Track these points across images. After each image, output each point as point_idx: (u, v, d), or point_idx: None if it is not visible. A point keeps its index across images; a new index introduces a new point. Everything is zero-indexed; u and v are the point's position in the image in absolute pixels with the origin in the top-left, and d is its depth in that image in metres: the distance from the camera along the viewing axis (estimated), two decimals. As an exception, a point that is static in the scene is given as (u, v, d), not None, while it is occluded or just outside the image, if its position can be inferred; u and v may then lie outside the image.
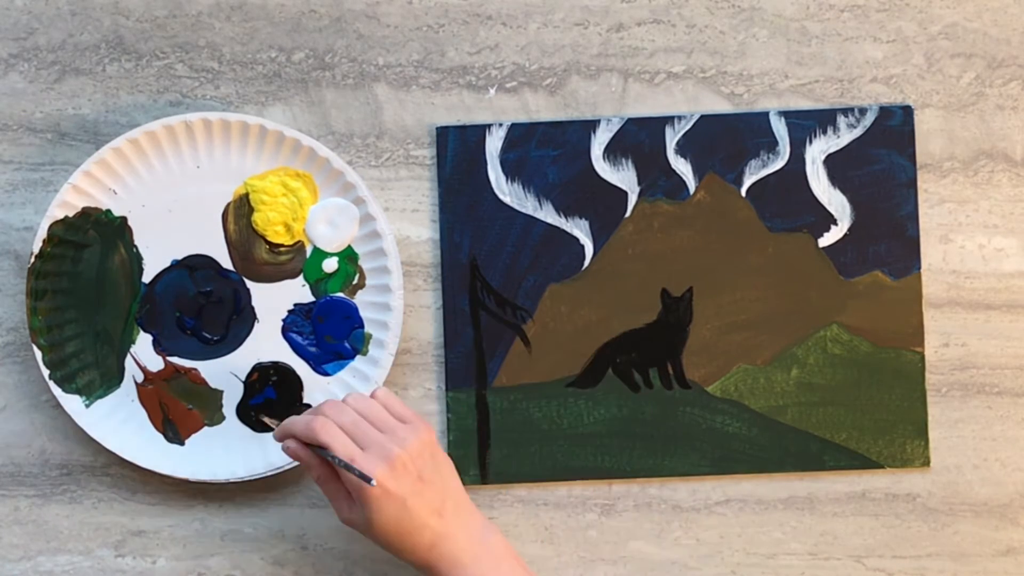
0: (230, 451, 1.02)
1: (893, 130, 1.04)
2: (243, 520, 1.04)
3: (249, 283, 1.03)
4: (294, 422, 0.92)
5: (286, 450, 0.92)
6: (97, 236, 1.02)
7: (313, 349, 1.03)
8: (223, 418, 1.03)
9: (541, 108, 1.04)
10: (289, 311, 1.03)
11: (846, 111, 1.04)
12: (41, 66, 1.04)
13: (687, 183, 1.04)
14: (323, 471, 0.91)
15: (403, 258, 1.03)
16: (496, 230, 1.04)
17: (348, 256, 1.03)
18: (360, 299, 1.03)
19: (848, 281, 1.04)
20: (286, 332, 1.03)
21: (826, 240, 1.04)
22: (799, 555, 1.04)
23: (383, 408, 0.92)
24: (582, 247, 1.04)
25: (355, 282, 1.03)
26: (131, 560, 1.04)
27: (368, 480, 0.87)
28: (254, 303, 1.03)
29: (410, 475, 0.89)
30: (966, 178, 1.04)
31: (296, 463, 1.01)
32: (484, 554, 0.90)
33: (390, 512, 0.88)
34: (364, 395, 0.93)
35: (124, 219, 1.02)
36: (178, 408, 1.02)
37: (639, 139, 1.04)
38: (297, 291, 1.03)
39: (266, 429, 1.01)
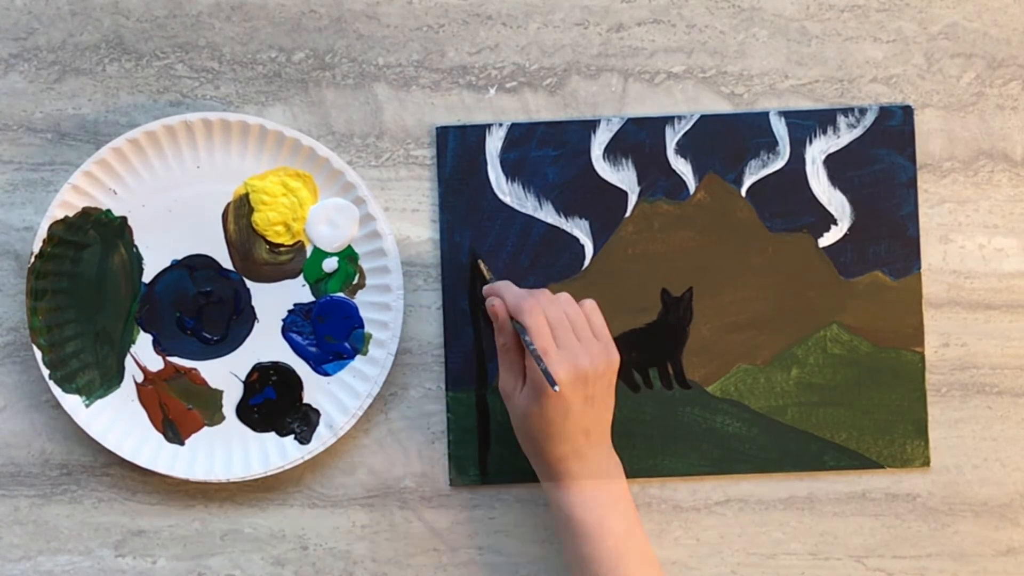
0: (230, 451, 1.02)
1: (893, 130, 1.04)
2: (243, 520, 1.04)
3: (249, 283, 1.03)
4: (508, 288, 0.95)
5: (490, 306, 0.94)
6: (97, 236, 1.02)
7: (313, 349, 1.03)
8: (223, 418, 1.03)
9: (541, 108, 1.04)
10: (289, 311, 1.03)
11: (846, 111, 1.04)
12: (41, 66, 1.04)
13: (687, 183, 1.04)
14: (512, 341, 0.94)
15: (403, 258, 1.03)
16: (496, 230, 1.04)
17: (348, 256, 1.03)
18: (360, 299, 1.03)
19: (848, 281, 1.04)
20: (286, 332, 1.03)
21: (826, 240, 1.04)
22: (799, 555, 1.04)
23: (586, 319, 0.94)
24: (582, 247, 1.04)
25: (355, 282, 1.03)
26: (131, 560, 1.04)
27: (552, 384, 0.89)
28: (254, 303, 1.03)
29: (585, 391, 0.92)
30: (966, 178, 1.04)
31: (293, 462, 1.01)
32: (605, 486, 0.93)
33: (551, 412, 0.91)
34: (573, 299, 0.95)
35: (124, 219, 1.02)
36: (178, 408, 1.02)
37: (639, 139, 1.04)
38: (297, 291, 1.03)
39: (481, 279, 1.02)
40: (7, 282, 1.04)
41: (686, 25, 1.04)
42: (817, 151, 1.04)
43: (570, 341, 0.92)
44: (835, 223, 1.04)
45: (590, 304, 0.96)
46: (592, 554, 0.92)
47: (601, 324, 0.95)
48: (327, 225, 1.02)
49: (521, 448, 0.96)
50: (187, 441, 1.02)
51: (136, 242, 1.02)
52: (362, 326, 1.02)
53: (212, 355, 1.03)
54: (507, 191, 1.04)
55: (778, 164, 1.04)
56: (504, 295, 0.95)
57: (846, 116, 1.04)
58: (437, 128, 1.04)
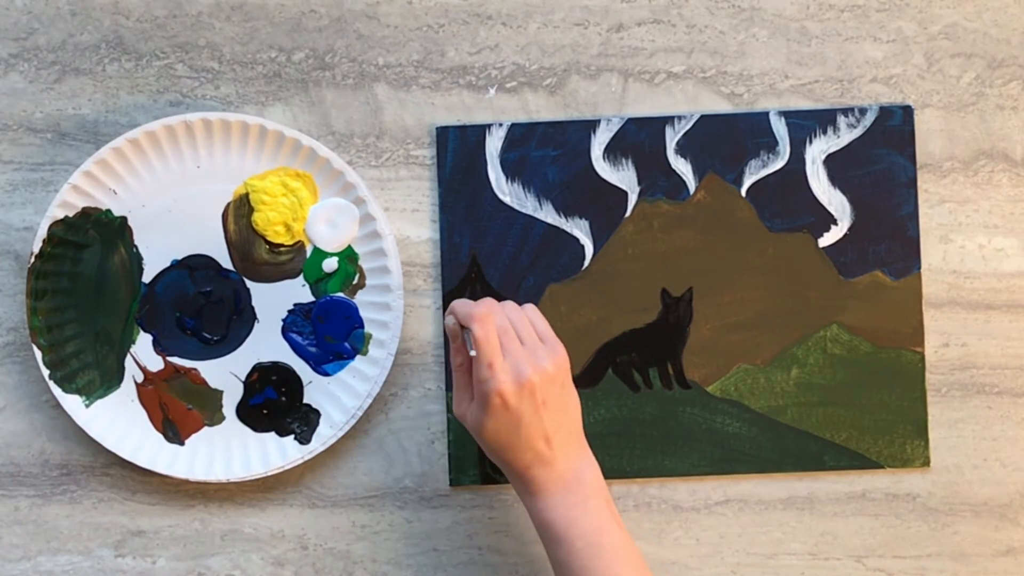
0: (230, 451, 1.02)
1: (893, 130, 1.04)
2: (243, 520, 1.04)
3: (249, 283, 1.03)
4: (463, 302, 0.94)
5: (448, 327, 0.94)
6: (97, 236, 1.02)
7: (313, 349, 1.03)
8: (223, 418, 1.03)
9: (541, 108, 1.04)
10: (289, 311, 1.03)
11: (846, 111, 1.04)
12: (41, 66, 1.04)
13: (687, 183, 1.04)
14: (467, 361, 0.94)
15: (403, 258, 1.03)
16: (496, 230, 1.04)
17: (348, 256, 1.03)
18: (360, 299, 1.03)
19: (848, 281, 1.04)
20: (286, 332, 1.03)
21: (826, 240, 1.04)
22: (799, 555, 1.04)
23: (530, 323, 0.94)
24: (582, 247, 1.04)
25: (355, 282, 1.03)
26: (131, 560, 1.04)
27: (470, 349, 0.90)
28: (254, 303, 1.03)
29: (534, 398, 0.90)
30: (966, 178, 1.04)
31: (293, 462, 1.01)
32: (575, 487, 0.92)
33: (503, 424, 0.91)
34: (517, 305, 0.94)
35: (124, 219, 1.02)
36: (178, 408, 1.02)
37: (639, 139, 1.04)
38: (297, 291, 1.03)
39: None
40: (7, 282, 1.04)
41: (686, 25, 1.04)
42: (817, 151, 1.04)
43: (515, 348, 0.91)
44: (835, 223, 1.04)
45: (531, 307, 0.95)
46: (565, 558, 0.91)
47: (544, 326, 0.94)
48: (327, 225, 1.02)
49: (498, 466, 0.95)
50: (187, 441, 1.02)
51: (136, 242, 1.02)
52: (362, 326, 1.02)
53: (212, 355, 1.03)
54: (507, 191, 1.04)
55: (778, 164, 1.04)
56: (457, 309, 0.93)
57: (846, 116, 1.04)
58: (437, 128, 1.04)
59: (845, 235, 1.04)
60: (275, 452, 1.02)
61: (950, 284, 1.04)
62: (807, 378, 1.04)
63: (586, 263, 1.04)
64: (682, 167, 1.04)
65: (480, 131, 1.04)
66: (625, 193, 1.04)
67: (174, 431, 1.02)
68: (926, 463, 1.04)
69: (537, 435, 0.91)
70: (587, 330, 1.04)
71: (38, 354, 1.01)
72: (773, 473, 1.04)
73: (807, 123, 1.04)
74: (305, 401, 1.02)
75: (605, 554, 0.91)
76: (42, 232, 1.00)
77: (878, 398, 1.03)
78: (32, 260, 1.00)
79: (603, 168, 1.04)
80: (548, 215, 1.04)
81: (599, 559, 0.90)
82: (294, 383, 1.03)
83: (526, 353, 0.91)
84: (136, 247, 1.02)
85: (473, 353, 0.90)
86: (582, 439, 0.94)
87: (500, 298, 1.03)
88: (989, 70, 1.04)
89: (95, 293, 1.02)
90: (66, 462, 1.04)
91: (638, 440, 1.03)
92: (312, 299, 1.03)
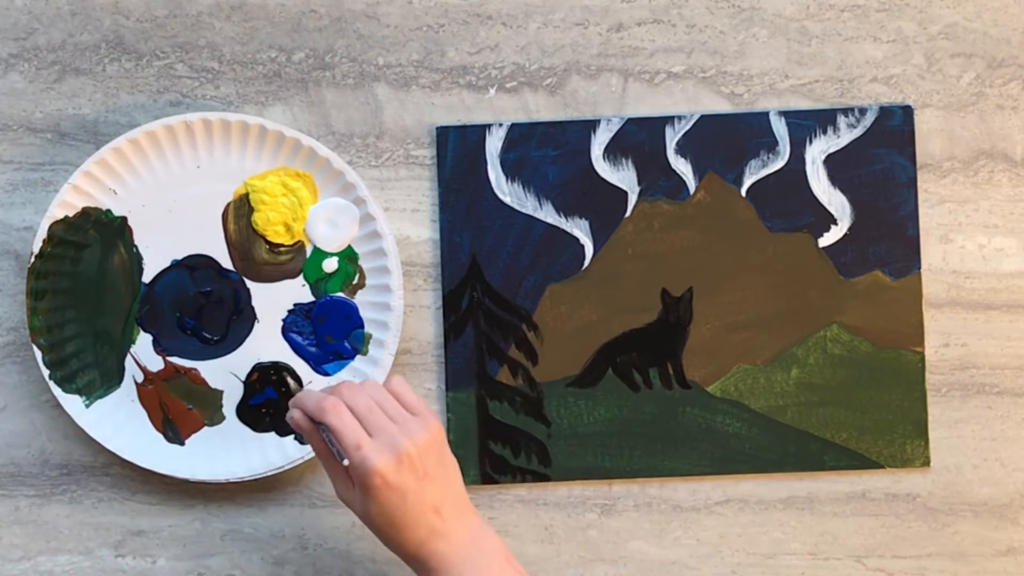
0: (230, 451, 1.02)
1: (893, 130, 1.04)
2: (243, 520, 1.04)
3: (249, 283, 1.03)
4: (307, 397, 0.90)
5: (290, 419, 0.90)
6: (97, 236, 1.02)
7: (313, 349, 1.03)
8: (223, 418, 1.03)
9: (541, 108, 1.04)
10: (289, 311, 1.03)
11: (846, 111, 1.04)
12: (41, 66, 1.04)
13: (687, 183, 1.04)
14: (324, 448, 0.90)
15: (403, 258, 1.03)
16: (496, 230, 1.04)
17: (348, 256, 1.03)
18: (360, 299, 1.03)
19: (848, 281, 1.04)
20: (286, 332, 1.03)
21: (826, 240, 1.04)
22: (799, 555, 1.04)
23: (396, 398, 0.91)
24: (582, 247, 1.04)
25: (355, 282, 1.03)
26: (131, 560, 1.04)
27: (342, 458, 0.87)
28: (254, 303, 1.03)
29: (415, 470, 0.87)
30: (966, 178, 1.04)
31: (293, 462, 1.01)
32: (476, 555, 0.89)
33: (388, 503, 0.87)
34: (378, 384, 0.92)
35: (124, 219, 1.02)
36: (178, 408, 1.02)
37: (639, 139, 1.04)
38: (297, 291, 1.03)
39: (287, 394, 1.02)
40: (7, 282, 1.04)
41: (686, 25, 1.04)
42: (817, 151, 1.04)
43: (383, 426, 0.88)
44: (835, 223, 1.04)
45: (397, 381, 0.92)
46: None
47: (414, 398, 0.91)
48: (327, 225, 1.02)
49: (391, 548, 0.91)
50: (187, 441, 1.02)
51: (136, 242, 1.02)
52: (362, 326, 1.02)
53: (212, 355, 1.03)
54: (507, 191, 1.04)
55: (778, 164, 1.04)
56: (304, 403, 0.90)
57: (846, 116, 1.04)
58: (437, 128, 1.04)
59: (845, 235, 1.04)
60: (275, 452, 1.02)
61: (950, 284, 1.04)
62: (807, 378, 1.04)
63: (586, 263, 1.04)
64: (682, 167, 1.04)
65: (480, 131, 1.04)
66: (625, 193, 1.04)
67: (174, 431, 1.02)
68: (926, 463, 1.04)
69: (426, 507, 0.88)
70: (587, 330, 1.04)
71: (38, 354, 1.01)
72: (773, 473, 1.04)
73: (807, 123, 1.04)
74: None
75: None
76: (42, 232, 1.00)
77: (878, 398, 1.03)
78: (32, 260, 1.00)
79: (603, 168, 1.04)
80: (548, 215, 1.04)
81: None
82: (294, 383, 1.03)
83: (396, 428, 0.88)
84: (136, 247, 1.02)
85: (331, 442, 0.88)
86: (470, 506, 0.91)
87: (501, 299, 1.03)
88: (989, 70, 1.04)
89: (95, 293, 1.02)
90: (66, 462, 1.04)
91: (638, 440, 1.03)
92: (312, 299, 1.03)
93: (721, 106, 1.04)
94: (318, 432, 0.90)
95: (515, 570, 0.90)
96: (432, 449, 0.89)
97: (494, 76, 1.04)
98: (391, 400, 0.90)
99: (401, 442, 0.87)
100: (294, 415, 0.90)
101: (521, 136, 1.04)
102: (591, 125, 1.04)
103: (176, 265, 1.02)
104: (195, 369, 1.03)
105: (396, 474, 0.87)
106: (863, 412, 1.03)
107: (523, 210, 1.04)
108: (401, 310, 1.01)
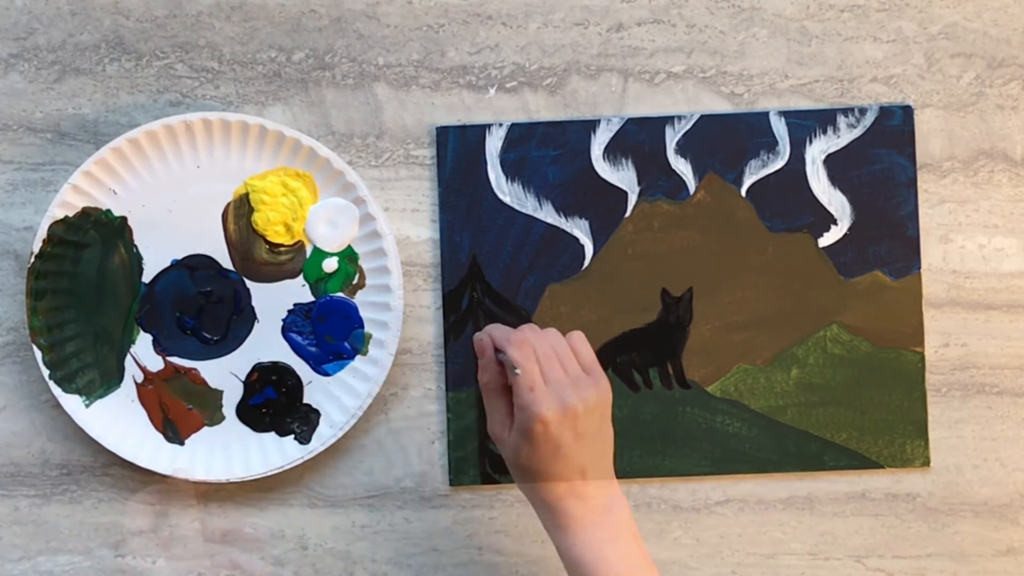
0: (230, 451, 1.02)
1: (893, 130, 1.04)
2: (243, 520, 1.04)
3: (249, 283, 1.03)
4: (497, 326, 0.93)
5: (477, 341, 0.93)
6: (97, 236, 1.02)
7: (313, 349, 1.03)
8: (223, 418, 1.03)
9: (541, 108, 1.04)
10: (289, 311, 1.03)
11: (846, 111, 1.04)
12: (41, 66, 1.04)
13: (687, 183, 1.04)
14: (495, 380, 0.92)
15: (403, 258, 1.03)
16: (496, 230, 1.04)
17: (348, 256, 1.03)
18: (360, 299, 1.03)
19: (848, 281, 1.04)
20: (286, 332, 1.03)
21: (826, 240, 1.04)
22: (799, 555, 1.04)
23: (574, 353, 0.92)
24: (582, 247, 1.04)
25: (355, 282, 1.03)
26: (131, 560, 1.04)
27: (514, 369, 0.89)
28: (254, 303, 1.03)
29: (575, 428, 0.89)
30: (966, 178, 1.04)
31: (293, 462, 1.01)
32: (605, 523, 0.90)
33: (541, 451, 0.89)
34: (559, 334, 0.93)
35: (124, 219, 1.02)
36: (178, 408, 1.02)
37: (639, 139, 1.04)
38: (297, 291, 1.03)
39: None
40: (7, 282, 1.04)
41: (686, 25, 1.04)
42: (817, 151, 1.04)
43: (558, 376, 0.90)
44: (835, 223, 1.04)
45: (578, 336, 0.94)
46: None
47: (590, 357, 0.93)
48: (327, 225, 1.02)
49: (526, 493, 0.93)
50: (187, 441, 1.02)
51: (136, 242, 1.02)
52: (362, 326, 1.02)
53: (212, 355, 1.03)
54: (507, 191, 1.04)
55: (778, 164, 1.04)
56: (492, 332, 0.93)
57: (846, 116, 1.04)
58: (437, 128, 1.04)
59: (845, 235, 1.04)
60: (275, 452, 1.02)
61: (950, 284, 1.04)
62: (807, 378, 1.04)
63: (586, 263, 1.04)
64: (682, 167, 1.04)
65: (480, 131, 1.04)
66: (625, 193, 1.04)
67: (174, 431, 1.02)
68: (926, 463, 1.04)
69: (573, 466, 0.89)
70: (587, 330, 1.03)
71: (38, 354, 1.01)
72: (773, 473, 1.04)
73: (807, 123, 1.04)
74: (305, 401, 1.02)
75: None
76: (42, 232, 1.00)
77: (878, 398, 1.03)
78: (32, 260, 1.00)
79: (603, 168, 1.04)
80: (548, 215, 1.04)
81: None
82: (294, 383, 1.03)
83: (569, 382, 0.90)
84: (136, 247, 1.02)
85: (518, 372, 0.89)
86: (612, 474, 0.92)
87: (501, 299, 1.03)
88: (989, 70, 1.04)
89: (95, 293, 1.02)
90: (66, 462, 1.04)
91: (638, 440, 1.03)
92: (312, 299, 1.03)
93: (721, 106, 1.04)
94: (496, 361, 0.92)
95: (639, 548, 0.90)
96: (596, 411, 0.90)
97: (494, 76, 1.04)
98: (569, 354, 0.92)
99: (570, 397, 0.89)
100: (483, 338, 0.93)
101: (521, 136, 1.04)
102: (591, 125, 1.04)
103: (176, 265, 1.02)
104: (195, 369, 1.03)
105: (558, 426, 0.88)
106: (863, 412, 1.03)
107: (523, 210, 1.04)
108: (401, 310, 1.01)
